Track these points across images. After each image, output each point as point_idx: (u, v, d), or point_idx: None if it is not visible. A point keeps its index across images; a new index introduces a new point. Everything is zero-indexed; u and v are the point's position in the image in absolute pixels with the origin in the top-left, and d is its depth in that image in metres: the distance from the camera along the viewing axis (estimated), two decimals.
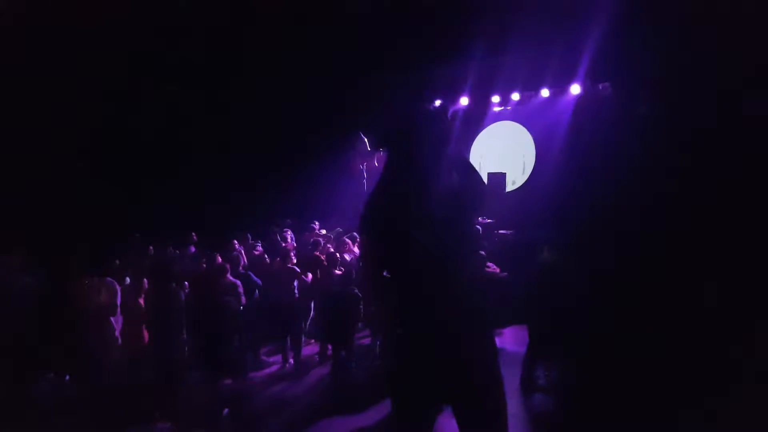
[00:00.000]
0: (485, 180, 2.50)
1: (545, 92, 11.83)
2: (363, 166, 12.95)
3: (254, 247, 8.99)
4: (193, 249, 9.42)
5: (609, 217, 7.83)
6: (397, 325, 2.36)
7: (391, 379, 2.40)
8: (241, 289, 6.39)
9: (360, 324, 6.80)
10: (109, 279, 5.83)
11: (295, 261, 7.36)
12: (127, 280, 6.63)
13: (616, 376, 5.13)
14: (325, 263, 6.98)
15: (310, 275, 7.37)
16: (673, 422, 4.27)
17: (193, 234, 9.94)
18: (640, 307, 5.95)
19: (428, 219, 2.25)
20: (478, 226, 7.68)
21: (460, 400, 2.29)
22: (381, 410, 5.30)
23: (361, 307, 6.41)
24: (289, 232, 10.02)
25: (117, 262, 7.45)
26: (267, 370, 6.93)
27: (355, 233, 10.05)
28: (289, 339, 7.10)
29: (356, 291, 6.37)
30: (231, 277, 6.39)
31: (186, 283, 6.31)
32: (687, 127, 8.08)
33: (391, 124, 2.51)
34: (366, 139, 12.79)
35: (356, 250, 9.47)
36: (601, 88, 11.12)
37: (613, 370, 5.21)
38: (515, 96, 12.33)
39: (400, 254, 2.31)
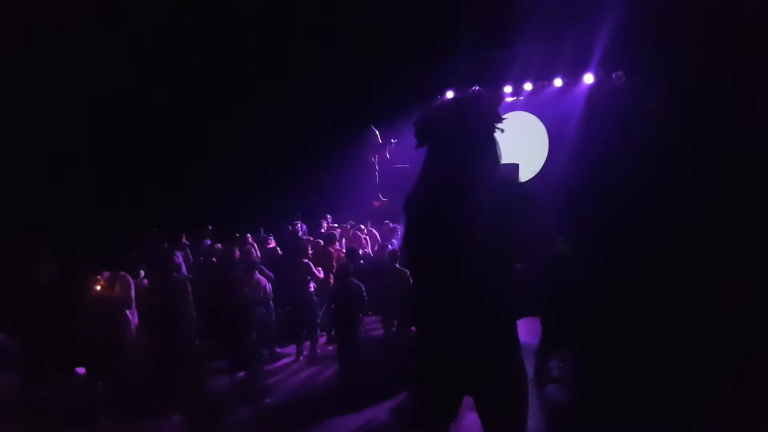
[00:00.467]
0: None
1: (558, 82, 11.71)
2: (374, 159, 12.96)
3: (266, 241, 9.04)
4: (209, 242, 9.48)
5: (623, 208, 7.76)
6: (424, 312, 2.34)
7: (417, 368, 2.37)
8: (268, 287, 6.49)
9: (362, 316, 6.78)
10: (122, 273, 5.88)
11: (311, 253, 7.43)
12: (142, 273, 6.68)
13: (629, 369, 5.09)
14: (340, 257, 7.00)
15: (321, 270, 7.41)
16: (683, 416, 4.24)
17: (210, 227, 10.00)
18: (653, 300, 5.90)
19: (467, 228, 2.18)
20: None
21: (484, 391, 2.27)
22: (388, 402, 5.39)
23: (365, 298, 6.43)
24: (299, 224, 10.05)
25: (133, 254, 7.51)
26: (281, 363, 6.98)
27: (362, 226, 10.08)
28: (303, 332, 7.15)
29: (358, 283, 6.41)
30: (258, 275, 6.50)
31: (189, 275, 6.35)
32: (702, 117, 7.96)
33: (436, 113, 2.40)
34: (377, 132, 12.78)
35: (367, 243, 9.50)
36: (614, 77, 10.98)
37: (625, 363, 5.17)
38: (528, 86, 12.22)
39: (436, 248, 2.27)
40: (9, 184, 9.84)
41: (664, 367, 4.96)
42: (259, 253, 7.99)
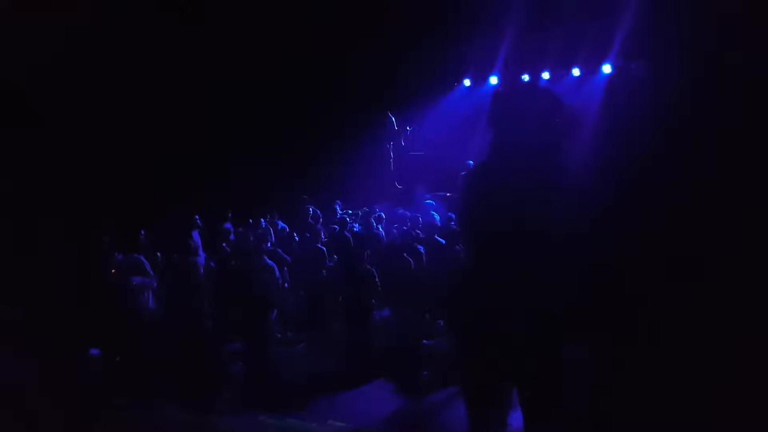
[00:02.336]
0: None
1: (576, 71, 11.57)
2: (390, 146, 12.93)
3: (277, 225, 9.11)
4: (228, 225, 9.57)
5: (641, 201, 7.68)
6: (474, 300, 2.32)
7: (464, 357, 2.38)
8: (277, 273, 6.51)
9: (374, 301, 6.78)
10: (136, 255, 5.97)
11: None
12: (159, 255, 6.80)
13: (644, 362, 5.07)
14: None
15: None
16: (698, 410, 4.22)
17: (229, 212, 10.07)
18: (670, 293, 5.84)
19: (542, 212, 2.19)
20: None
21: (530, 383, 2.26)
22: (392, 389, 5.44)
23: (378, 282, 6.40)
24: (311, 209, 10.08)
25: (144, 238, 7.61)
26: (293, 347, 7.04)
27: (380, 213, 10.07)
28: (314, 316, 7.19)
29: (370, 268, 6.39)
30: (268, 260, 6.55)
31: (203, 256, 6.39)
32: (724, 108, 7.84)
33: (501, 100, 2.41)
34: (393, 119, 12.74)
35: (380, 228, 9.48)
36: (634, 67, 10.83)
37: (641, 356, 5.15)
38: (545, 75, 12.09)
39: (494, 237, 2.26)
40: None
41: (679, 362, 4.93)
42: (274, 237, 8.07)
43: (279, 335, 6.98)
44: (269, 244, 7.45)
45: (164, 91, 11.70)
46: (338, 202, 11.01)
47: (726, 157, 7.47)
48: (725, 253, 6.18)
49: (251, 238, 7.41)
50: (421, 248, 6.87)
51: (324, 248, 7.34)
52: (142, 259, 5.99)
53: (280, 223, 9.14)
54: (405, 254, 6.95)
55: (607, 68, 11.06)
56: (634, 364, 5.42)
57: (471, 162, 10.61)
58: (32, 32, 9.62)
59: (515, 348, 2.20)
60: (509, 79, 11.66)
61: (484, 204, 2.33)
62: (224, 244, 8.62)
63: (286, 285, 6.86)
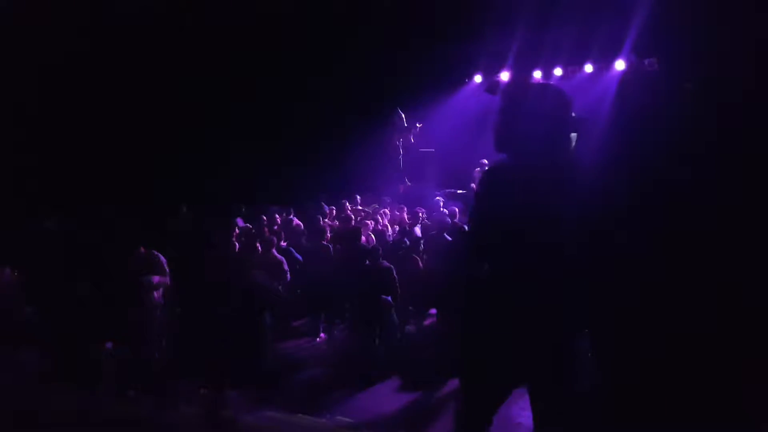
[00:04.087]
0: None
1: (589, 67, 11.49)
2: (399, 143, 12.92)
3: (292, 222, 9.13)
4: (240, 221, 9.61)
5: (654, 198, 7.61)
6: (483, 297, 2.33)
7: (467, 352, 2.38)
8: (285, 266, 6.51)
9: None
10: (153, 251, 5.99)
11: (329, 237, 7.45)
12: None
13: (658, 360, 5.04)
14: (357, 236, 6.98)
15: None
16: (708, 407, 4.20)
17: (242, 207, 10.11)
18: (689, 291, 5.78)
19: (552, 212, 2.20)
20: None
21: (544, 382, 2.27)
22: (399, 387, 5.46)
23: (396, 278, 6.23)
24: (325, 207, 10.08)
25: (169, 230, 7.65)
26: (297, 343, 7.02)
27: (385, 210, 10.06)
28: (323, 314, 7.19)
29: (388, 264, 6.25)
30: (276, 253, 6.54)
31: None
32: (739, 105, 7.74)
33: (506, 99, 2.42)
34: (403, 115, 12.72)
35: (386, 223, 9.41)
36: (647, 63, 10.73)
37: (652, 352, 5.12)
38: (558, 71, 12.02)
39: (507, 235, 2.26)
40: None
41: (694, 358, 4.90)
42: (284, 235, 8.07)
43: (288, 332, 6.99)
44: (283, 243, 7.44)
45: (176, 87, 11.78)
46: (345, 201, 10.99)
47: (742, 156, 7.38)
48: (741, 254, 6.13)
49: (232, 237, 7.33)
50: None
51: (330, 245, 7.29)
52: (160, 256, 5.98)
53: (295, 220, 9.16)
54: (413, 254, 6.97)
55: (620, 64, 10.97)
56: (647, 364, 5.41)
57: (485, 161, 10.60)
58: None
59: (531, 347, 2.20)
60: (518, 77, 11.59)
61: (499, 205, 2.33)
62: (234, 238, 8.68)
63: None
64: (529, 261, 2.19)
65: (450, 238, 6.67)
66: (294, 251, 7.07)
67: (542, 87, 2.50)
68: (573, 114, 2.37)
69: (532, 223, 2.19)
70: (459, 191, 11.44)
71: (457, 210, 8.19)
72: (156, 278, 5.70)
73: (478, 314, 2.36)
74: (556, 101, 2.34)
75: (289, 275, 6.66)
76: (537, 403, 2.30)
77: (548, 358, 2.21)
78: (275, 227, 8.02)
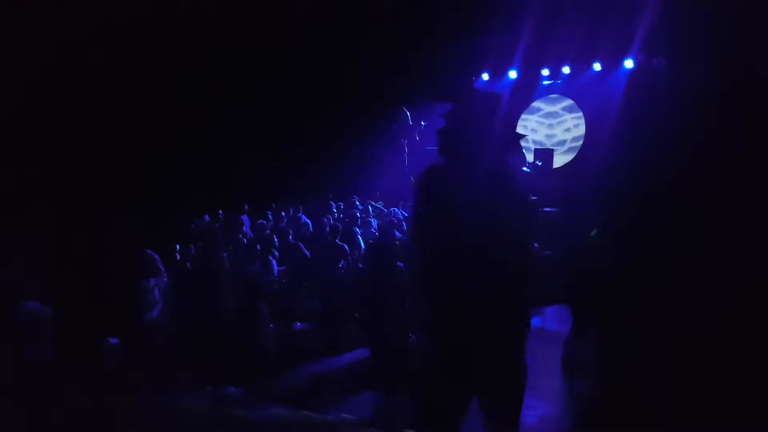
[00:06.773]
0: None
1: (597, 66, 11.43)
2: (405, 141, 12.88)
3: (300, 220, 9.13)
4: (244, 218, 9.62)
5: (661, 197, 7.58)
6: (437, 312, 2.33)
7: (427, 365, 2.37)
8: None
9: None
10: (149, 251, 5.99)
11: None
12: (177, 247, 6.87)
13: (661, 359, 5.02)
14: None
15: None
16: (712, 406, 4.18)
17: (246, 205, 10.12)
18: (690, 288, 5.76)
19: (476, 224, 2.22)
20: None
21: (492, 394, 2.28)
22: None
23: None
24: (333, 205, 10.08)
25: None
26: (303, 341, 7.01)
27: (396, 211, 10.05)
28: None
29: (401, 265, 6.22)
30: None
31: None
32: (746, 104, 7.69)
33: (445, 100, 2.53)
34: (408, 114, 12.68)
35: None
36: (656, 62, 10.66)
37: (657, 352, 5.10)
38: (566, 69, 11.96)
39: (448, 242, 2.28)
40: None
41: (696, 356, 4.87)
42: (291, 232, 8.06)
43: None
44: (290, 238, 7.43)
45: (176, 87, 11.78)
46: (355, 197, 10.99)
47: (749, 157, 7.33)
48: (739, 255, 6.08)
49: (266, 232, 7.39)
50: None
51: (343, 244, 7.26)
52: (155, 255, 6.00)
53: (303, 218, 9.15)
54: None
55: (629, 63, 10.91)
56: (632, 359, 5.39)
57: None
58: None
59: (478, 359, 2.22)
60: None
61: (441, 207, 2.33)
62: (240, 235, 8.69)
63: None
64: (473, 266, 2.21)
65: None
66: (302, 246, 7.05)
67: (489, 95, 2.51)
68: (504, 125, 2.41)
69: (475, 228, 2.21)
70: None
71: None
72: (153, 280, 5.72)
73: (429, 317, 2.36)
74: (498, 110, 2.39)
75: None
76: (486, 415, 2.30)
77: (497, 370, 2.23)
78: (281, 225, 8.01)
